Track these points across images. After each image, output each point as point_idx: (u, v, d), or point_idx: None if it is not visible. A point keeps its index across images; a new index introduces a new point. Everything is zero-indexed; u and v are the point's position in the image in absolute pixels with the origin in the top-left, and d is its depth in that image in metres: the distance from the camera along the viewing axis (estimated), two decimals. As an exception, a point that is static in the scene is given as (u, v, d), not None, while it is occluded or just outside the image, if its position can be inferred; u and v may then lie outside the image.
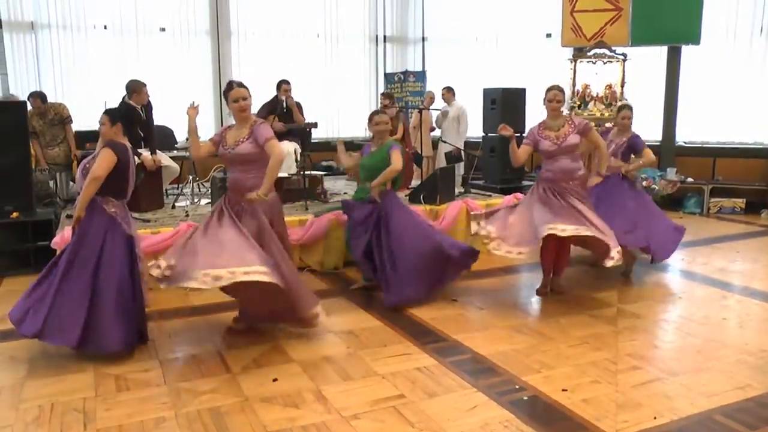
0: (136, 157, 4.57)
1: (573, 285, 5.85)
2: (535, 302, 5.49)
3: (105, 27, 10.01)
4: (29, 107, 7.51)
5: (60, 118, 7.88)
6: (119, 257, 4.11)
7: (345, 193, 7.61)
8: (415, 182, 8.47)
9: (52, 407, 3.50)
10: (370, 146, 5.58)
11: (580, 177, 5.32)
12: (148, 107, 7.25)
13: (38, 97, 7.79)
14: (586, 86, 9.24)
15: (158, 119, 7.79)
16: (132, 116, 6.80)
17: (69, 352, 4.18)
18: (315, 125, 8.31)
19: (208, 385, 3.76)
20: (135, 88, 7.03)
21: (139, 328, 4.31)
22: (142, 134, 6.97)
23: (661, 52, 10.15)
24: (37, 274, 4.17)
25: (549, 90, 5.36)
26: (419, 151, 9.23)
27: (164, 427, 3.27)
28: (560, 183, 5.25)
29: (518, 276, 6.38)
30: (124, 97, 7.08)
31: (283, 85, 8.45)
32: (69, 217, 6.32)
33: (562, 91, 5.37)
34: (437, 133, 10.25)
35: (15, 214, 6.40)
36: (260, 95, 8.99)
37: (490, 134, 9.02)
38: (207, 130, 10.68)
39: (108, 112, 4.27)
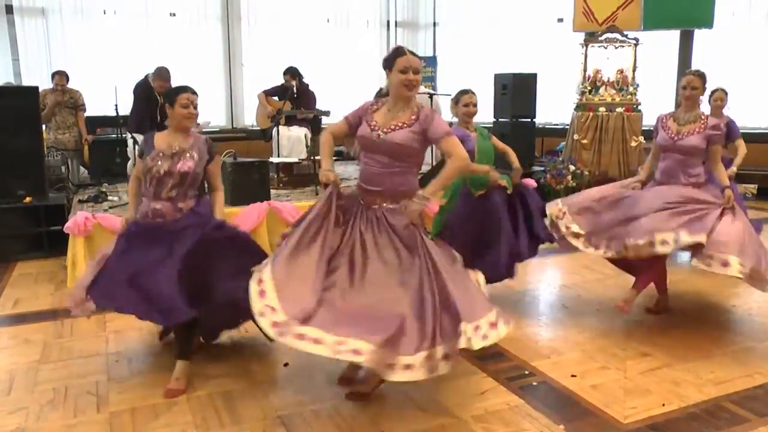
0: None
1: (581, 270, 5.86)
2: (543, 288, 5.49)
3: (115, 12, 10.02)
4: (51, 85, 7.83)
5: (74, 103, 7.94)
6: None
7: (355, 178, 7.55)
8: (425, 168, 8.44)
9: (66, 390, 3.54)
10: (459, 131, 4.54)
11: None
12: None
13: (64, 75, 7.92)
14: (598, 71, 9.18)
15: (168, 104, 7.86)
16: (148, 93, 7.05)
17: (84, 336, 4.26)
18: (327, 113, 8.32)
19: (220, 369, 3.80)
20: (160, 74, 7.11)
21: None
22: (159, 117, 7.05)
23: (673, 36, 10.06)
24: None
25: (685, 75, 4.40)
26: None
27: (176, 410, 3.31)
28: None
29: (525, 262, 6.36)
30: (147, 75, 7.24)
31: (285, 76, 8.52)
32: (81, 202, 6.37)
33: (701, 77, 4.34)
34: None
35: (28, 199, 6.45)
36: (270, 81, 9.03)
37: (500, 119, 9.02)
38: (218, 118, 10.77)
39: None
